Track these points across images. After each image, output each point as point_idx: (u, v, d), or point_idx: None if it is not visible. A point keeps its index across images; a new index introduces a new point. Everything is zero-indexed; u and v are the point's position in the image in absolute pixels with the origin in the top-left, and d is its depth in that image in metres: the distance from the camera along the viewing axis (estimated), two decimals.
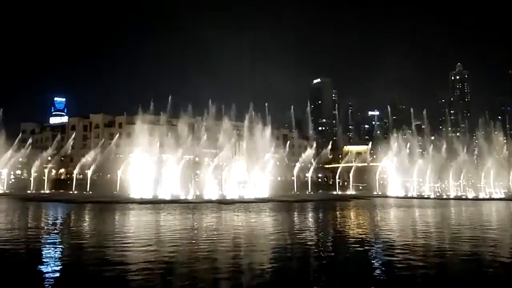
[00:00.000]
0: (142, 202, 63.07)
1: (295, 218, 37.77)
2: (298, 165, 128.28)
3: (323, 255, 18.71)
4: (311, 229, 29.35)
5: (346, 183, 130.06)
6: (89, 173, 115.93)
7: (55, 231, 27.34)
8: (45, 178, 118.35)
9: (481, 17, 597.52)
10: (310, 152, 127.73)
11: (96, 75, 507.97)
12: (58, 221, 34.60)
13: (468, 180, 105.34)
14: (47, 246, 20.96)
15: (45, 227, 29.29)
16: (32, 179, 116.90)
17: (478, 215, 43.13)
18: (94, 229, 29.15)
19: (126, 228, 29.73)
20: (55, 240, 23.30)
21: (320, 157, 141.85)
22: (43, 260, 17.14)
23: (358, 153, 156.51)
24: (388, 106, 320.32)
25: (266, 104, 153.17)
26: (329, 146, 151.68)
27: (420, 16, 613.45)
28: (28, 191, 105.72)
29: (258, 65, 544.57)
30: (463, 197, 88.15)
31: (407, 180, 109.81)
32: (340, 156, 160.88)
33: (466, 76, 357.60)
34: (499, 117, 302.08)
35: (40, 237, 24.29)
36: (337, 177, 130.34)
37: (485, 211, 48.64)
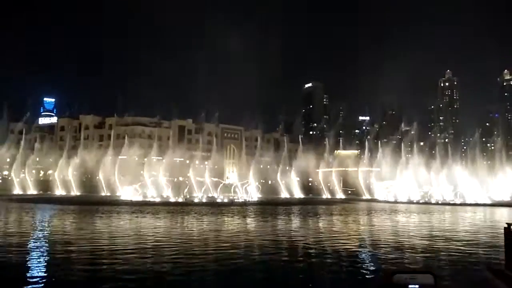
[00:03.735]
0: (123, 204, 62.62)
1: (260, 223, 37.34)
2: (288, 168, 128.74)
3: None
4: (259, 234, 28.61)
5: (335, 187, 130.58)
6: (78, 175, 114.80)
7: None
8: (33, 179, 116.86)
9: (471, 24, 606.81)
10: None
11: (87, 76, 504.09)
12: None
13: (456, 186, 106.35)
14: None
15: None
16: (19, 180, 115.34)
17: (437, 223, 40.41)
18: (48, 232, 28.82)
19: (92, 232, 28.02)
20: None
21: (310, 161, 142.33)
22: None
23: (348, 158, 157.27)
24: (381, 112, 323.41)
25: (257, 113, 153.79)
26: (319, 150, 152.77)
27: (411, 22, 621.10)
28: (14, 192, 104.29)
29: (250, 68, 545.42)
30: (451, 202, 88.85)
31: (396, 185, 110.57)
32: (330, 160, 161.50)
33: (455, 82, 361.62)
34: (487, 124, 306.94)
35: None
36: (327, 181, 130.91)
37: (454, 219, 45.76)
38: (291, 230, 32.33)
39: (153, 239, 24.36)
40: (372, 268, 17.12)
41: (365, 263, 18.60)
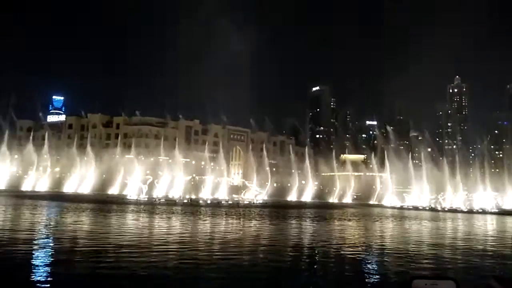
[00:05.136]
0: (129, 203, 62.83)
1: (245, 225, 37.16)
2: (294, 172, 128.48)
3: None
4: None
5: (342, 191, 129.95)
6: (85, 173, 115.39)
7: None
8: (41, 176, 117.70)
9: (482, 30, 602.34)
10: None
11: (96, 75, 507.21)
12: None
13: (464, 193, 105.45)
14: None
15: None
16: (27, 176, 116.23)
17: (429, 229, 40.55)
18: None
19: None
20: None
21: (317, 165, 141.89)
22: None
23: (355, 162, 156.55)
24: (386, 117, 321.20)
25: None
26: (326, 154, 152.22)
27: (420, 27, 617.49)
28: (23, 189, 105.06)
29: (257, 70, 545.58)
30: (458, 209, 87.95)
31: (404, 191, 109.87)
32: (337, 164, 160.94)
33: (464, 89, 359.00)
34: (496, 131, 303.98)
35: None
36: (333, 185, 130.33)
37: (451, 226, 45.78)
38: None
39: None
40: None
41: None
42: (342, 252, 22.21)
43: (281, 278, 15.92)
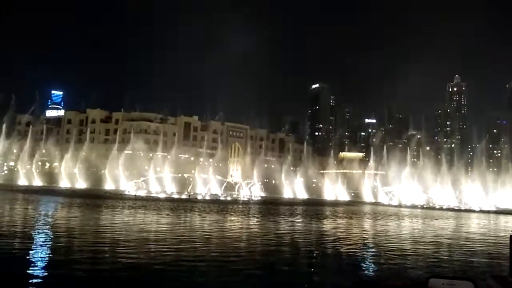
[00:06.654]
0: (126, 199, 62.95)
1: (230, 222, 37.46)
2: (292, 169, 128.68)
3: None
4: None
5: (340, 189, 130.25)
6: (83, 168, 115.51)
7: None
8: (38, 171, 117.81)
9: (482, 29, 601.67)
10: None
11: (95, 70, 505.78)
12: None
13: (461, 191, 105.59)
14: None
15: None
16: (25, 171, 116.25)
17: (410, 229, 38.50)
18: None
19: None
20: None
21: (315, 162, 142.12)
22: None
23: (353, 160, 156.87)
24: (385, 114, 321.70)
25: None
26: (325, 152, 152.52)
27: (420, 26, 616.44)
28: (20, 183, 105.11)
29: (258, 68, 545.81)
30: (455, 208, 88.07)
31: (398, 190, 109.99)
32: (335, 162, 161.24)
33: (463, 88, 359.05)
34: (494, 131, 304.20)
35: None
36: (330, 182, 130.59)
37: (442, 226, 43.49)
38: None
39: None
40: None
41: None
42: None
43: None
